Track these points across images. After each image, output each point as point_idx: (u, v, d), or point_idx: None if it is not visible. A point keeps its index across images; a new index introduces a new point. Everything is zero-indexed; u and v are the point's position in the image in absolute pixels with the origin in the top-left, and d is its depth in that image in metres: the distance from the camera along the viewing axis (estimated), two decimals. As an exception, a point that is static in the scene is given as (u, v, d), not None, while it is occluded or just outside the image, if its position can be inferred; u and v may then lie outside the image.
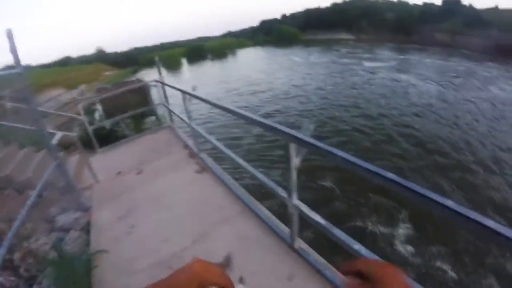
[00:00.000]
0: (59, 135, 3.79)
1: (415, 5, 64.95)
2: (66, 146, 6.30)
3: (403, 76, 17.39)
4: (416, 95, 13.25)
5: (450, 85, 15.12)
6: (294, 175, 1.80)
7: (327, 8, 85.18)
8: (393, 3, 72.82)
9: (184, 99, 3.52)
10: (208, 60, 48.09)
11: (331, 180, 6.50)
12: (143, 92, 7.89)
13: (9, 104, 6.04)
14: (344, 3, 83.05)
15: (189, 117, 3.65)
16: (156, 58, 5.34)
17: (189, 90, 3.29)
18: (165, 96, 5.40)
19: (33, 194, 2.72)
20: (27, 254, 2.76)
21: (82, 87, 25.45)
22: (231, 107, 2.31)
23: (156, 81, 5.43)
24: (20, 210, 2.34)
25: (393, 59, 25.38)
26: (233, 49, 59.67)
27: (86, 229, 3.13)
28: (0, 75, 2.70)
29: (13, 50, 2.54)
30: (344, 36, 62.24)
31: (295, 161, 1.74)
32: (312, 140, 1.45)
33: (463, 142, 8.44)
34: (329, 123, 10.22)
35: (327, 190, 6.29)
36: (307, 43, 51.71)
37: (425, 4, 59.73)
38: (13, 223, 2.32)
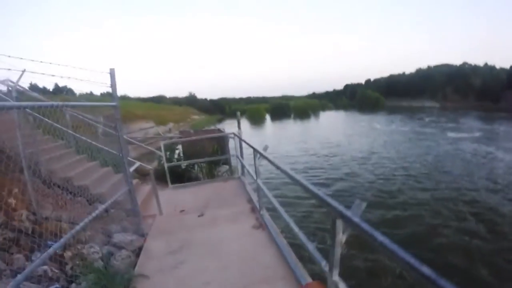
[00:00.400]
0: (136, 164, 4.23)
1: (502, 68, 60.58)
2: (143, 174, 6.93)
3: (488, 149, 15.83)
4: (501, 171, 11.70)
5: None
6: (337, 251, 1.74)
7: (411, 74, 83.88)
8: (479, 67, 68.94)
9: (254, 156, 3.70)
10: (290, 118, 49.54)
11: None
12: (221, 141, 8.43)
13: (101, 129, 6.88)
14: (429, 69, 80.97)
15: (257, 173, 3.78)
16: (238, 113, 5.82)
17: (261, 147, 3.46)
18: (241, 149, 5.72)
19: (100, 207, 3.06)
20: (77, 256, 3.01)
21: (170, 125, 28.05)
22: (290, 171, 2.36)
23: (234, 134, 5.81)
24: (84, 217, 2.62)
25: (478, 129, 23.75)
26: (316, 110, 60.93)
27: (137, 252, 3.31)
28: (100, 105, 3.25)
29: (113, 86, 3.06)
30: (428, 103, 60.30)
31: (340, 237, 1.70)
32: (358, 221, 1.38)
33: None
34: (397, 195, 9.38)
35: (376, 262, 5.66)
36: (390, 110, 50.98)
37: None
38: (74, 226, 2.63)
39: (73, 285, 2.69)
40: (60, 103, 2.66)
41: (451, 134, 21.43)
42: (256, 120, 47.83)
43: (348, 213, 1.48)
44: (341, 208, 1.55)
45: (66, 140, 6.12)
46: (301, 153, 17.10)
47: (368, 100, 66.85)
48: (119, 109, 3.24)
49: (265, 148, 3.43)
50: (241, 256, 3.09)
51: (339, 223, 1.65)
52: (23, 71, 4.85)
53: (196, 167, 8.25)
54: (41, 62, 2.98)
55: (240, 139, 5.33)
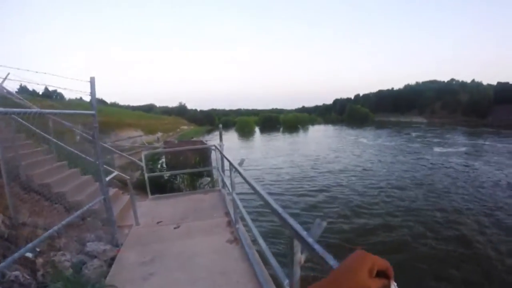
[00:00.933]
0: (114, 174, 4.27)
1: (489, 85, 62.38)
2: (126, 183, 6.91)
3: (472, 163, 16.37)
4: (481, 185, 12.03)
5: None
6: (296, 271, 1.68)
7: (399, 90, 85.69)
8: (467, 83, 70.84)
9: (230, 169, 3.77)
10: (279, 131, 49.85)
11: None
12: (204, 153, 8.47)
13: (78, 137, 6.89)
14: (417, 84, 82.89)
15: (232, 186, 3.83)
16: (220, 126, 5.89)
17: (245, 160, 3.52)
18: (222, 162, 5.77)
19: (74, 213, 3.10)
20: (49, 263, 3.02)
21: (159, 134, 27.96)
22: (258, 186, 2.40)
23: (215, 146, 5.87)
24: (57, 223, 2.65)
25: (465, 144, 24.56)
26: (305, 124, 61.54)
27: (110, 262, 3.32)
28: (77, 113, 3.31)
29: (93, 95, 3.15)
30: (416, 119, 61.42)
31: (299, 257, 1.64)
32: (311, 242, 1.37)
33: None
34: (373, 206, 9.60)
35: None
36: (378, 125, 51.79)
37: (499, 84, 56.80)
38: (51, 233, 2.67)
39: (44, 293, 2.71)
40: (34, 110, 2.72)
41: (437, 149, 22.00)
42: (245, 132, 47.99)
43: (303, 233, 1.45)
44: (297, 227, 1.53)
45: (47, 145, 6.10)
46: (287, 165, 17.26)
47: (357, 115, 68.03)
48: (96, 117, 3.29)
49: (241, 162, 3.50)
50: (213, 270, 3.12)
51: (296, 243, 1.60)
52: (7, 74, 4.88)
53: (178, 178, 8.26)
54: (27, 70, 3.07)
55: (221, 152, 5.39)
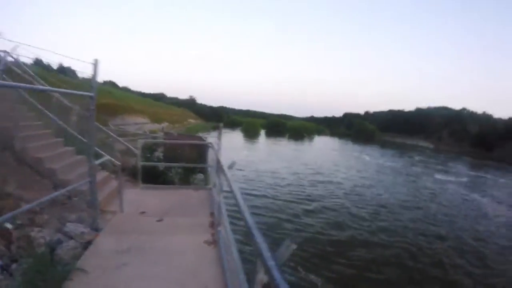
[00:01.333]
0: (104, 158, 4.27)
1: (500, 118, 61.98)
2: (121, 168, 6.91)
3: (472, 195, 16.43)
4: (481, 217, 12.31)
5: None
6: None
7: (410, 112, 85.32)
8: (478, 115, 70.29)
9: (218, 169, 3.74)
10: (285, 137, 49.87)
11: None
12: (201, 149, 8.45)
13: (74, 118, 6.91)
14: (428, 109, 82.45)
15: (220, 187, 3.79)
16: (221, 124, 5.87)
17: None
18: (217, 160, 5.72)
19: (60, 191, 3.09)
20: (25, 238, 3.02)
21: (165, 124, 28.03)
22: (238, 193, 2.35)
23: (211, 143, 5.85)
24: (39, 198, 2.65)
25: (466, 175, 24.68)
26: (311, 133, 61.46)
27: (85, 246, 3.29)
28: (75, 93, 3.32)
29: (94, 77, 3.14)
30: (422, 143, 61.09)
31: (261, 277, 1.50)
32: (271, 265, 1.23)
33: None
34: (357, 220, 9.98)
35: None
36: (383, 144, 51.85)
37: (510, 119, 56.49)
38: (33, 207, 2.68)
39: (14, 265, 2.70)
40: (28, 85, 2.72)
41: (438, 176, 21.92)
42: (251, 134, 48.07)
43: (267, 254, 1.34)
44: (262, 246, 1.42)
45: (48, 121, 6.12)
46: (287, 171, 17.48)
47: (364, 131, 67.83)
48: (95, 101, 3.29)
49: (231, 165, 3.48)
50: (184, 270, 3.07)
51: (260, 263, 1.46)
52: (15, 46, 4.91)
53: (173, 171, 8.25)
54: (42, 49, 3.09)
55: (215, 150, 5.36)
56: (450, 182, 19.78)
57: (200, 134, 16.18)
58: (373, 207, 11.78)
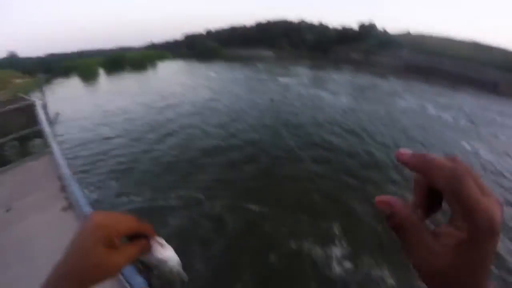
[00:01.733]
0: None
1: (334, 29, 71.27)
2: None
3: (312, 91, 19.16)
4: (320, 107, 14.63)
5: (356, 98, 17.40)
6: None
7: (251, 27, 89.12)
8: (314, 26, 78.86)
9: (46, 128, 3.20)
10: (126, 71, 46.26)
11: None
12: (29, 111, 7.08)
13: None
14: (268, 23, 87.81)
15: (55, 146, 3.28)
16: (41, 75, 4.88)
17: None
18: (48, 117, 4.90)
19: None
20: None
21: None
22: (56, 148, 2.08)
23: (35, 101, 4.90)
24: None
25: (307, 75, 27.84)
26: (153, 61, 58.50)
27: None
28: None
29: None
30: (265, 53, 65.38)
31: None
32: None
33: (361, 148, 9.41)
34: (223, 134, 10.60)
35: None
36: (228, 59, 53.67)
37: (344, 28, 66.11)
38: None
39: None
40: None
41: (282, 79, 24.21)
42: (89, 77, 42.67)
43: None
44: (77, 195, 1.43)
45: None
46: (134, 105, 16.47)
47: (207, 49, 67.87)
48: None
49: (55, 118, 3.04)
50: (54, 251, 2.70)
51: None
52: None
53: (5, 147, 6.78)
54: None
55: (39, 108, 4.54)
56: (293, 83, 22.42)
57: (36, 93, 13.31)
58: (226, 116, 12.74)
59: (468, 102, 19.54)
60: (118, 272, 0.45)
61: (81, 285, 0.44)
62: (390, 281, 4.29)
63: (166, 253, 0.57)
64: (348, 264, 4.57)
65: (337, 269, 4.49)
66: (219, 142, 9.43)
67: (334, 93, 18.60)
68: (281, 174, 7.39)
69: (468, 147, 10.49)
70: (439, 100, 18.64)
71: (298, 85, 21.33)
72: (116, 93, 22.11)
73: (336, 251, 4.80)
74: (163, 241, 0.58)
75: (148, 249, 0.52)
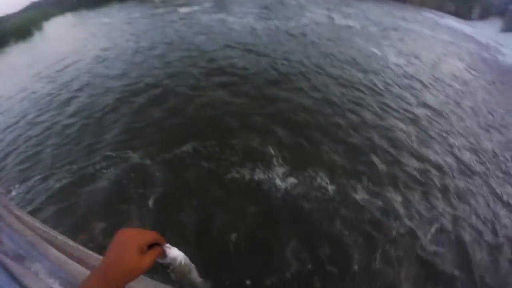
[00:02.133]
0: None
1: None
2: None
3: (216, 16, 18.57)
4: (225, 32, 14.13)
5: (264, 17, 17.03)
6: None
7: None
8: None
9: None
10: (11, 45, 38.96)
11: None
12: None
13: None
14: None
15: None
16: None
17: None
18: None
19: None
20: None
21: None
22: None
23: None
24: None
25: (208, 1, 25.64)
26: (38, 23, 49.90)
27: None
28: None
29: None
30: None
31: None
32: None
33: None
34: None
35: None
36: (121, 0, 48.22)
37: None
38: None
39: None
40: None
41: (182, 10, 22.39)
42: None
43: None
44: None
45: None
46: (36, 81, 14.10)
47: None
48: None
49: None
50: None
51: None
52: None
53: None
54: None
55: None
56: (195, 11, 21.24)
57: None
58: (126, 64, 11.15)
59: (373, 10, 19.94)
60: (146, 271, 0.62)
61: (118, 286, 0.58)
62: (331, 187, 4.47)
63: (174, 253, 0.82)
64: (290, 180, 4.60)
65: (281, 185, 4.50)
66: (123, 93, 8.49)
67: (240, 15, 17.68)
68: (192, 108, 6.98)
69: (378, 53, 10.85)
70: (345, 10, 18.76)
71: (200, 13, 19.82)
72: (5, 73, 18.97)
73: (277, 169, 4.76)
74: (170, 246, 0.82)
75: (162, 253, 0.73)
